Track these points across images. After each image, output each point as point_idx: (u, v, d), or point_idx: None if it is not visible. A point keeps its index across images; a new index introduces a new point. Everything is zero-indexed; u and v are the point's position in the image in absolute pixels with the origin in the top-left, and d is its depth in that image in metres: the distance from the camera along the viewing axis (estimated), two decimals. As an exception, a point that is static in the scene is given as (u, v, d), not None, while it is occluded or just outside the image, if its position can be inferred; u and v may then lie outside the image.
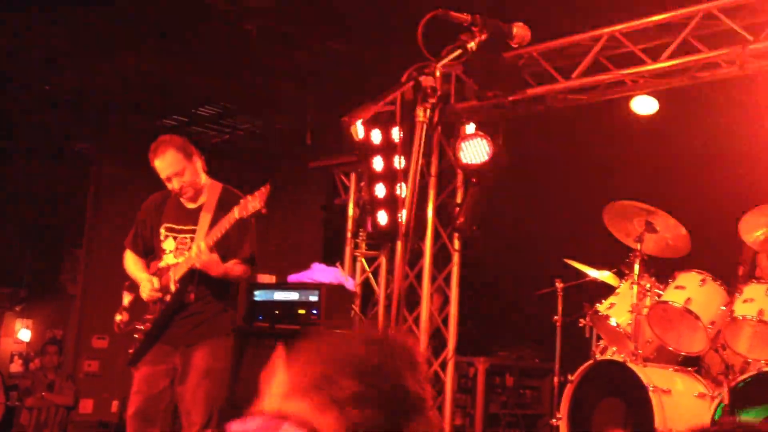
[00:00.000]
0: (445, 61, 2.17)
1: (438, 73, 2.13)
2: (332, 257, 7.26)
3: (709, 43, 5.26)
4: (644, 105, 6.47)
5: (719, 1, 5.12)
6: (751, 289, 5.08)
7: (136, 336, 4.32)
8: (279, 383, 1.39)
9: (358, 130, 6.81)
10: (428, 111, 2.13)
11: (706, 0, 5.18)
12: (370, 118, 6.48)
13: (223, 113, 8.48)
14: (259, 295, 6.57)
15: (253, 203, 4.10)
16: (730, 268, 5.29)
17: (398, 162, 6.22)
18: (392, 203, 6.42)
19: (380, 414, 1.35)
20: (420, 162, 2.28)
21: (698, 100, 5.66)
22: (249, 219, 4.24)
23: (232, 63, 7.09)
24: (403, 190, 6.80)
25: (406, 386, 1.39)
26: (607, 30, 5.65)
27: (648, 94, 6.20)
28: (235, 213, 4.11)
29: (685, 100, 5.86)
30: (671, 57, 5.40)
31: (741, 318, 5.01)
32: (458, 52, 2.22)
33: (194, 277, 4.25)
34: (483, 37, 2.25)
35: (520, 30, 2.34)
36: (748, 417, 4.75)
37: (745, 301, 5.06)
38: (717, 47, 5.20)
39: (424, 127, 2.12)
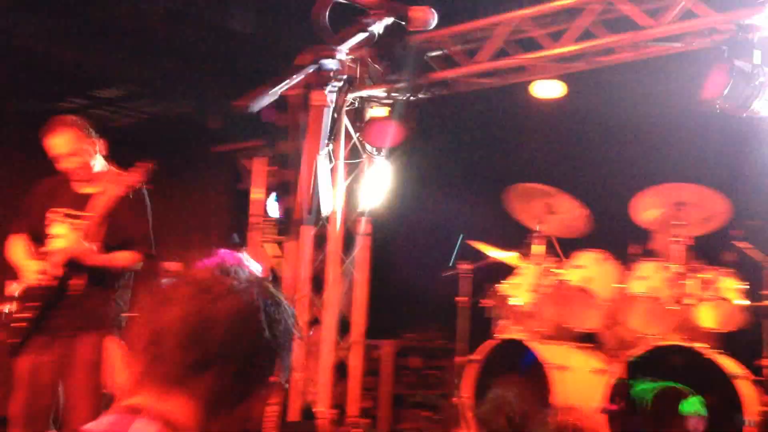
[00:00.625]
0: (347, 44, 2.16)
1: (341, 56, 2.11)
2: (240, 244, 7.17)
3: (609, 29, 5.40)
4: (547, 89, 6.63)
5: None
6: (644, 267, 5.31)
7: (17, 325, 4.13)
8: (121, 374, 1.32)
9: (266, 113, 6.71)
10: (330, 94, 2.11)
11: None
12: (277, 101, 6.42)
13: (125, 96, 8.22)
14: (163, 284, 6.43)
15: (129, 179, 4.04)
16: (625, 246, 5.49)
17: (304, 146, 6.19)
18: (299, 188, 6.37)
19: (228, 374, 1.26)
20: (325, 146, 2.26)
21: (598, 84, 5.83)
22: (138, 200, 4.16)
23: (133, 44, 6.87)
24: (310, 174, 6.78)
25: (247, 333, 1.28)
26: (510, 15, 5.72)
27: (551, 77, 6.34)
28: (113, 190, 4.03)
29: (586, 84, 6.01)
30: (572, 42, 5.52)
31: (634, 295, 5.23)
32: (361, 35, 2.21)
33: (77, 264, 4.10)
34: (386, 19, 2.25)
35: (417, 14, 2.33)
36: (643, 388, 4.97)
37: (638, 278, 5.28)
38: (616, 32, 5.34)
39: (326, 111, 2.11)
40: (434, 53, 6.18)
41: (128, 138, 7.93)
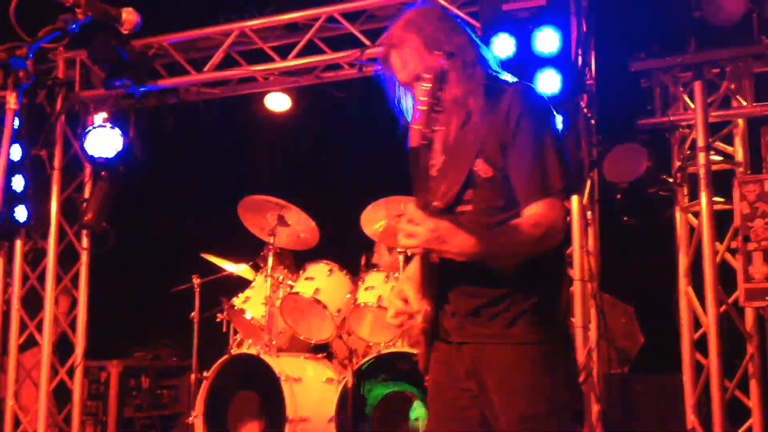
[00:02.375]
0: (40, 42, 1.97)
1: (30, 56, 1.91)
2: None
3: (333, 45, 5.53)
4: (277, 102, 6.63)
5: (341, 5, 5.39)
6: (372, 278, 5.46)
7: None
8: None
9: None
10: (19, 97, 1.91)
11: (330, 4, 5.43)
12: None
13: None
14: None
15: None
16: (355, 257, 5.63)
17: (16, 153, 5.70)
18: (7, 198, 5.83)
19: None
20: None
21: (327, 99, 5.93)
22: None
23: None
24: (18, 183, 6.11)
25: None
26: (237, 25, 5.67)
27: (281, 91, 6.35)
28: None
29: (315, 98, 6.10)
30: (298, 56, 5.59)
31: (363, 305, 5.35)
32: (57, 33, 2.02)
33: None
34: (85, 19, 2.08)
35: (129, 15, 2.20)
36: (373, 395, 5.12)
37: (366, 288, 5.42)
38: (339, 50, 5.49)
39: (15, 114, 1.90)
40: (162, 60, 5.94)
41: None
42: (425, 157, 2.21)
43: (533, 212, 2.19)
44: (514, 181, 2.22)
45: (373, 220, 5.60)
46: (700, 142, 4.36)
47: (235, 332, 5.88)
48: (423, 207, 2.13)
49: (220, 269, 6.11)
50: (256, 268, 6.04)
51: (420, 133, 2.08)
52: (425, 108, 2.06)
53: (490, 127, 2.24)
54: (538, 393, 2.20)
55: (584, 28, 4.30)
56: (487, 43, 4.56)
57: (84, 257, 6.11)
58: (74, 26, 2.04)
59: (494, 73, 2.34)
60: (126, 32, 2.20)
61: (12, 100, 1.88)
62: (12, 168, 5.80)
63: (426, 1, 2.41)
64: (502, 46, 4.27)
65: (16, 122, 1.86)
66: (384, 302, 5.26)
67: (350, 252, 5.71)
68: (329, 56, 5.51)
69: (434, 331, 2.29)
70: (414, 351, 5.00)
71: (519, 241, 2.16)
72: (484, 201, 2.22)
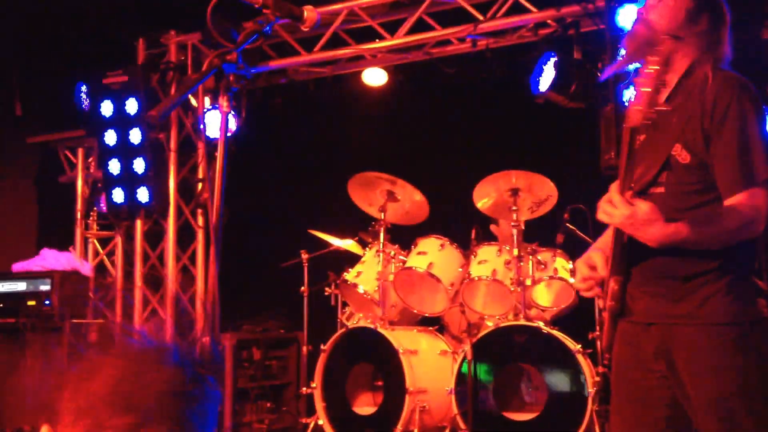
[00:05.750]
0: (244, 46, 2.06)
1: (240, 61, 2.01)
2: (51, 241, 6.65)
3: (443, 21, 5.54)
4: (375, 77, 6.67)
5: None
6: (485, 251, 5.53)
7: None
8: None
9: (82, 100, 6.35)
10: (230, 101, 2.02)
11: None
12: (100, 88, 6.00)
13: None
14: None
15: None
16: (465, 232, 5.67)
17: (137, 136, 5.92)
18: (129, 180, 6.06)
19: None
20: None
21: (437, 75, 5.94)
22: None
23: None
24: (139, 165, 6.36)
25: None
26: (346, 4, 5.72)
27: (382, 66, 6.39)
28: None
29: (425, 74, 6.11)
30: (407, 33, 5.62)
31: (477, 278, 5.43)
32: (255, 36, 2.11)
33: None
34: (276, 19, 2.17)
35: (311, 14, 2.28)
36: (486, 369, 5.20)
37: (480, 262, 5.49)
38: (449, 25, 5.49)
39: (228, 116, 2.01)
40: (270, 41, 6.05)
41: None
42: (638, 137, 2.23)
43: (737, 202, 2.20)
44: (718, 171, 2.24)
45: (484, 194, 5.64)
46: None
47: (344, 306, 6.02)
48: (623, 190, 2.17)
49: (327, 244, 6.25)
50: (363, 243, 6.15)
51: (642, 113, 2.10)
52: (650, 90, 2.08)
53: (694, 114, 2.25)
54: (729, 374, 2.22)
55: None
56: (613, 13, 4.53)
57: (200, 235, 6.33)
58: (268, 28, 2.13)
59: (718, 65, 2.34)
60: (306, 29, 2.28)
61: (225, 104, 1.99)
62: (133, 151, 6.04)
63: None
64: (629, 17, 4.24)
65: (230, 123, 1.96)
66: (498, 275, 5.33)
67: (460, 226, 5.76)
68: (439, 33, 5.52)
69: (620, 311, 2.33)
70: (530, 324, 5.09)
71: (719, 231, 2.19)
72: (678, 185, 2.24)
